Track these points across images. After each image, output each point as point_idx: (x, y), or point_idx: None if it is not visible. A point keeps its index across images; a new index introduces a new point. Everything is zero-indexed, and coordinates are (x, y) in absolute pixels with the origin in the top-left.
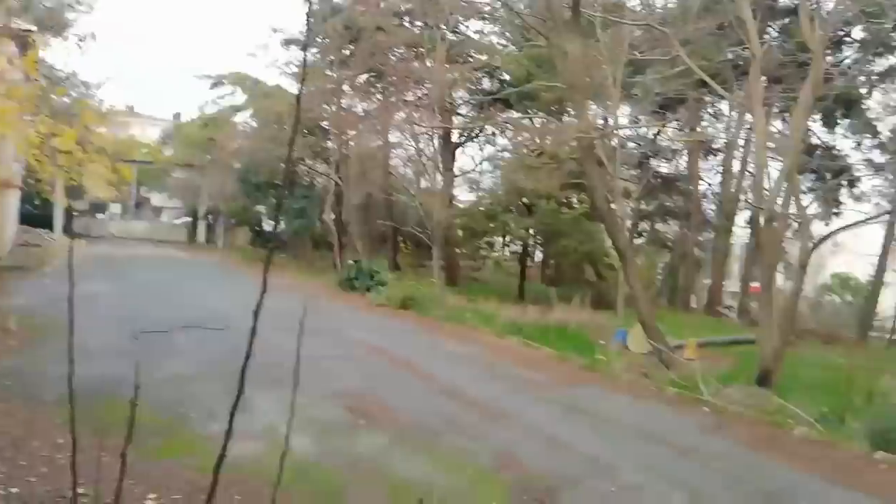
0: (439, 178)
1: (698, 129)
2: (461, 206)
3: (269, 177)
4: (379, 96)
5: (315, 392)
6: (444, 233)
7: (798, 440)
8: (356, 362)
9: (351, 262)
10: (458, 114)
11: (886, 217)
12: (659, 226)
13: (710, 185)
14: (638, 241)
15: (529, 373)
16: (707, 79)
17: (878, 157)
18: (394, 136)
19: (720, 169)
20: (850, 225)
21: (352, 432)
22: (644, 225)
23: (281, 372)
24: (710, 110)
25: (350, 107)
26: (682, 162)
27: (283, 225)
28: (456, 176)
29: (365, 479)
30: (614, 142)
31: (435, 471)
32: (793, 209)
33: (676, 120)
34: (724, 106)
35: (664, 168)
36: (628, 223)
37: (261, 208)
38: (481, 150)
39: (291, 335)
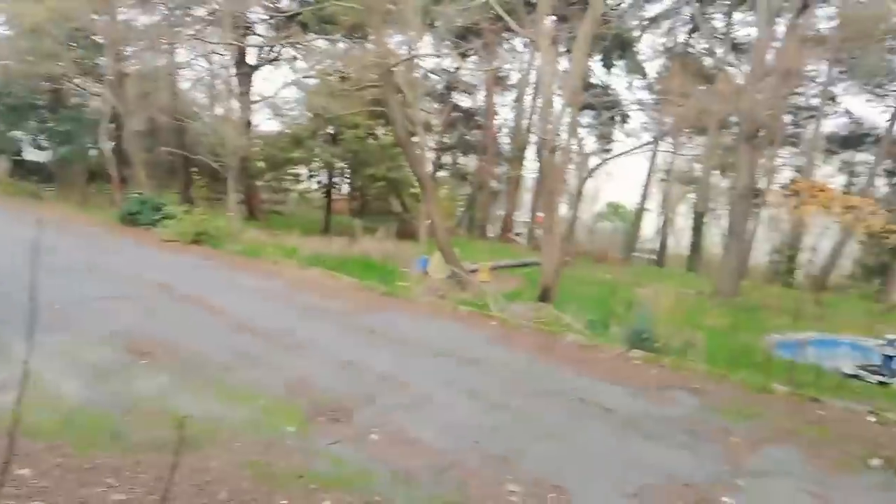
0: (235, 102)
1: (494, 64)
2: (262, 135)
3: (29, 97)
4: (162, 8)
5: (91, 333)
6: (242, 163)
7: (570, 345)
8: (139, 300)
9: (134, 195)
10: (255, 33)
11: (650, 148)
12: (461, 159)
13: (505, 119)
14: (441, 173)
15: (330, 302)
16: (501, 12)
17: (646, 96)
18: (181, 55)
19: (514, 104)
20: (618, 154)
21: (131, 373)
22: (447, 158)
23: (51, 314)
24: (506, 46)
25: (128, 19)
26: (481, 97)
27: (48, 153)
28: (254, 101)
29: (141, 419)
30: (417, 73)
31: (223, 405)
32: (575, 143)
33: (475, 53)
34: (518, 43)
35: (465, 102)
36: (431, 156)
37: (19, 134)
38: (280, 73)
39: (66, 276)
